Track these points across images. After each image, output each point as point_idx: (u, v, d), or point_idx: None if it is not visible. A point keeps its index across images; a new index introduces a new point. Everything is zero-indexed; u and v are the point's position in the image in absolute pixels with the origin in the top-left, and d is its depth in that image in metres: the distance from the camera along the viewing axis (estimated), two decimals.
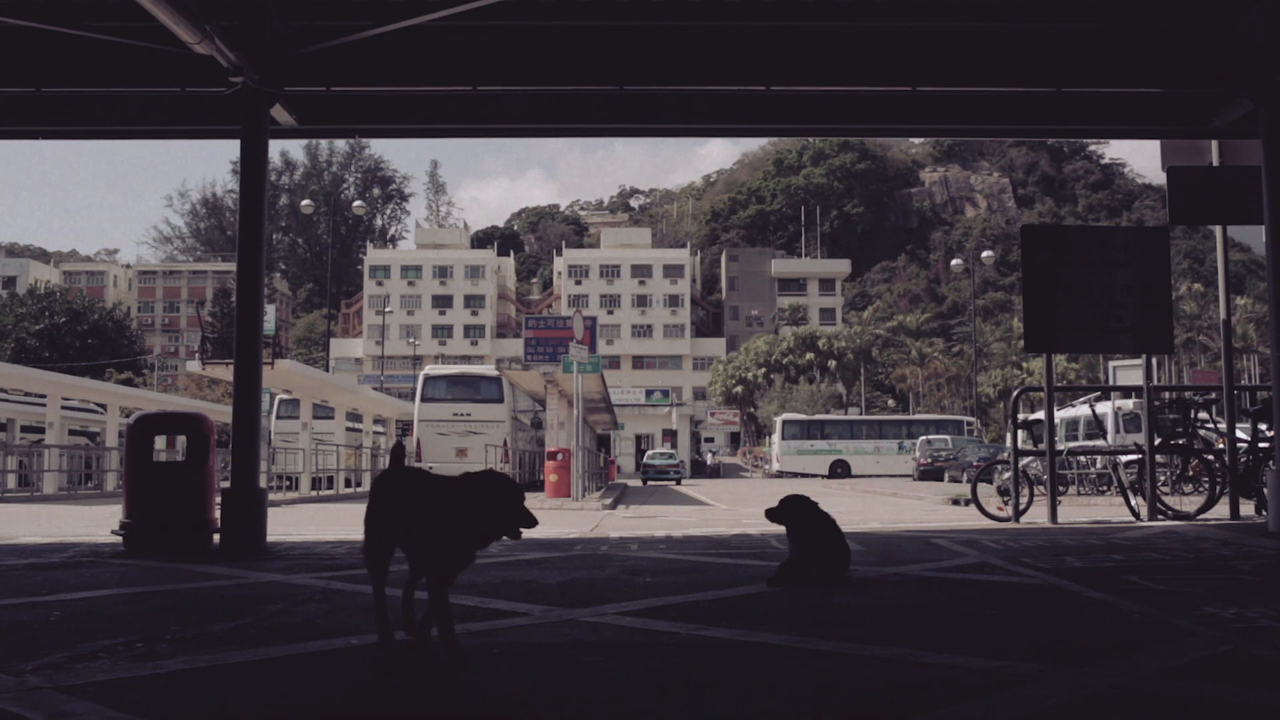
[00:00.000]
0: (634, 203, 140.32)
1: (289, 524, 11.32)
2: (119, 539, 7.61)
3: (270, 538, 8.15)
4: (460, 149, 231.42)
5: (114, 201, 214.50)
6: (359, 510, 16.62)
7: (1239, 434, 11.01)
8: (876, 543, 7.99)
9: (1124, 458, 11.99)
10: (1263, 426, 10.93)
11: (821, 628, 4.11)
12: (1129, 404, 18.52)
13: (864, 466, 49.11)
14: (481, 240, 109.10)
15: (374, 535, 3.69)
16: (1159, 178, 16.32)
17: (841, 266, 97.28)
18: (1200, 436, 11.56)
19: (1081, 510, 12.42)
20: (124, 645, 3.77)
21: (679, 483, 39.63)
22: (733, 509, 16.17)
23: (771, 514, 5.53)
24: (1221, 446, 11.02)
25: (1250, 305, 66.10)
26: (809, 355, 74.10)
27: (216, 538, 7.66)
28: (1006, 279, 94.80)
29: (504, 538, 3.43)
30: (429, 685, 3.14)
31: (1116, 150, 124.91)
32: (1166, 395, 16.92)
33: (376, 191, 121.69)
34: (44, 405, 27.05)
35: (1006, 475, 11.62)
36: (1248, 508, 10.45)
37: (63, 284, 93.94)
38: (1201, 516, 10.17)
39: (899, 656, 3.49)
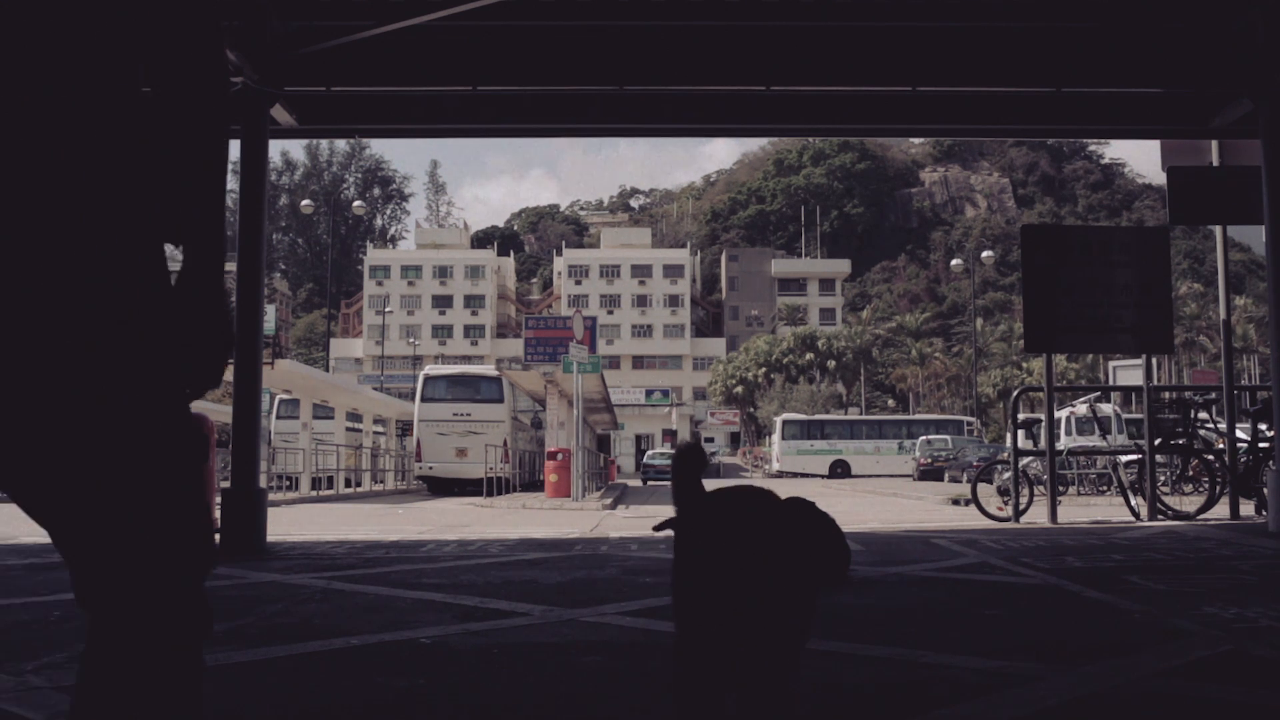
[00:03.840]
0: (634, 203, 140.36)
1: (289, 524, 11.32)
2: None
3: (270, 538, 8.14)
4: (462, 148, 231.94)
5: None
6: (359, 511, 16.38)
7: (1239, 434, 11.01)
8: (877, 543, 7.99)
9: (1124, 458, 11.99)
10: (1263, 426, 10.93)
11: (821, 628, 4.10)
12: (1083, 408, 18.63)
13: (864, 466, 49.10)
14: (481, 240, 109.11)
15: (702, 601, 1.96)
16: (1159, 178, 16.34)
17: (841, 266, 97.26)
18: (1200, 436, 11.56)
19: (1081, 510, 12.42)
20: None
21: None
22: None
23: None
24: (1221, 446, 11.02)
25: (1250, 305, 66.11)
26: (809, 355, 74.12)
27: (216, 538, 7.66)
28: (1006, 279, 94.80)
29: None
30: None
31: (1116, 150, 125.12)
32: (1166, 395, 16.91)
33: (376, 191, 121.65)
34: None
35: (1006, 475, 11.62)
36: (1248, 508, 10.45)
37: None
38: (1201, 516, 10.17)
39: (899, 656, 3.49)
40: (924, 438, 43.16)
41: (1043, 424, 12.41)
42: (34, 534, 9.99)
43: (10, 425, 1.22)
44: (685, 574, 1.95)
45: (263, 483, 8.48)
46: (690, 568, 1.96)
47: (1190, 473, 11.96)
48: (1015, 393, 12.89)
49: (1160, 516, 10.18)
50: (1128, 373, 24.79)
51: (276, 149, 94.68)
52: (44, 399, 1.22)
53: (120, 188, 1.26)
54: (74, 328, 1.21)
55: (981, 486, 11.91)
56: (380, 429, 36.86)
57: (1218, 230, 11.18)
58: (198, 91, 1.36)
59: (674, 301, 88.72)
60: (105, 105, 1.28)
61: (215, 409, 30.98)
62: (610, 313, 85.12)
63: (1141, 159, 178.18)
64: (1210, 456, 10.95)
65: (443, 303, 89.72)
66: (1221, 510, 10.31)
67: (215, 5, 1.40)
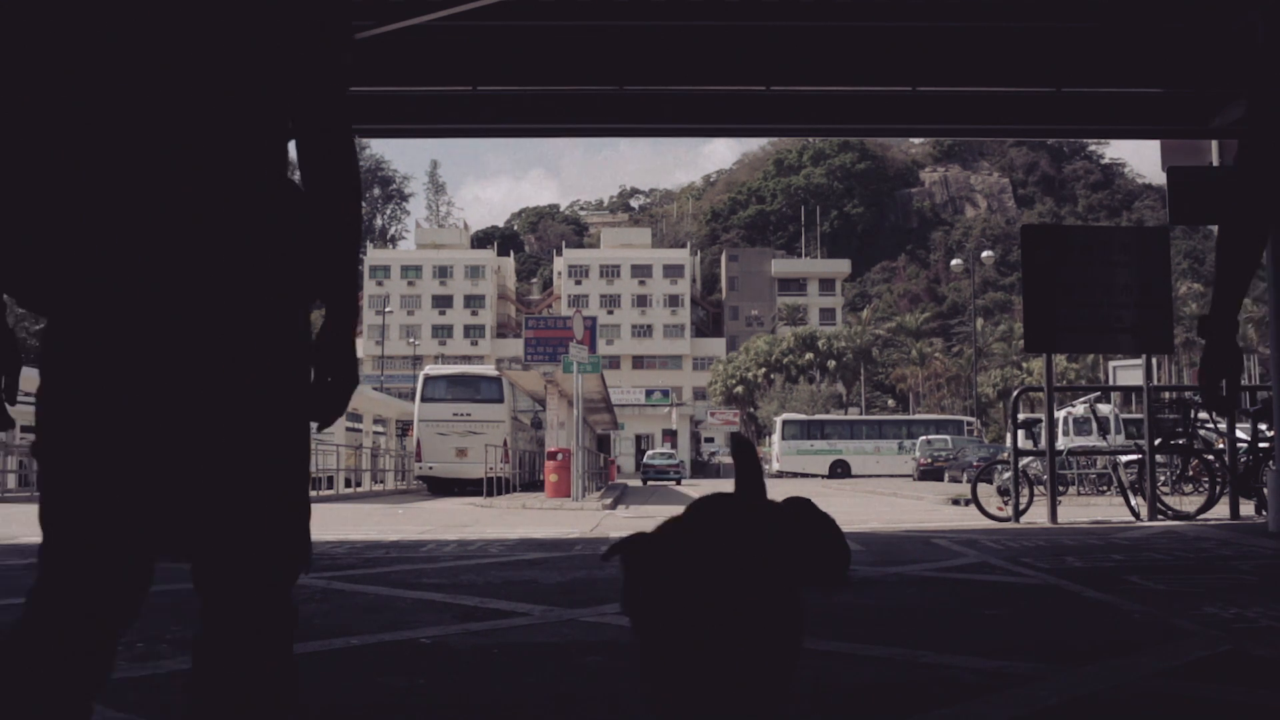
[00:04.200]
0: (634, 202, 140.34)
1: None
2: None
3: None
4: (462, 148, 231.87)
5: None
6: (359, 511, 16.33)
7: (1239, 434, 11.01)
8: (876, 543, 7.99)
9: (1124, 458, 12.00)
10: (1263, 426, 10.93)
11: (821, 628, 4.11)
12: (1081, 409, 18.63)
13: (864, 466, 49.08)
14: (481, 240, 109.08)
15: (699, 607, 1.65)
16: (1159, 178, 16.34)
17: (841, 266, 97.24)
18: (1200, 436, 11.56)
19: (1081, 510, 12.41)
20: (123, 645, 3.75)
21: (679, 483, 39.65)
22: None
23: None
24: (1221, 446, 11.02)
25: (1250, 305, 66.08)
26: (809, 355, 74.12)
27: None
28: (1006, 279, 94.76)
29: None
30: None
31: (1116, 150, 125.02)
32: (1166, 395, 16.91)
33: (376, 191, 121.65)
34: None
35: (1006, 475, 11.62)
36: (1248, 508, 10.45)
37: None
38: (1201, 516, 10.17)
39: (899, 656, 3.49)
40: (924, 438, 43.14)
41: (1042, 424, 12.42)
42: (34, 534, 9.98)
43: (217, 433, 1.55)
44: (677, 580, 1.70)
45: None
46: (685, 574, 1.70)
47: (1190, 473, 11.96)
48: (1015, 393, 12.89)
49: (1160, 516, 10.18)
50: (1128, 373, 24.81)
51: None
52: (244, 423, 1.55)
53: (291, 265, 1.59)
54: (268, 366, 1.57)
55: (981, 486, 11.91)
56: (380, 429, 36.86)
57: (1217, 230, 11.18)
58: (339, 189, 1.69)
59: (674, 301, 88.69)
60: (287, 198, 1.63)
61: None
62: (610, 313, 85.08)
63: (1141, 159, 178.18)
64: (1210, 456, 10.95)
65: (443, 303, 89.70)
66: (1221, 510, 10.31)
67: (348, 116, 1.83)
